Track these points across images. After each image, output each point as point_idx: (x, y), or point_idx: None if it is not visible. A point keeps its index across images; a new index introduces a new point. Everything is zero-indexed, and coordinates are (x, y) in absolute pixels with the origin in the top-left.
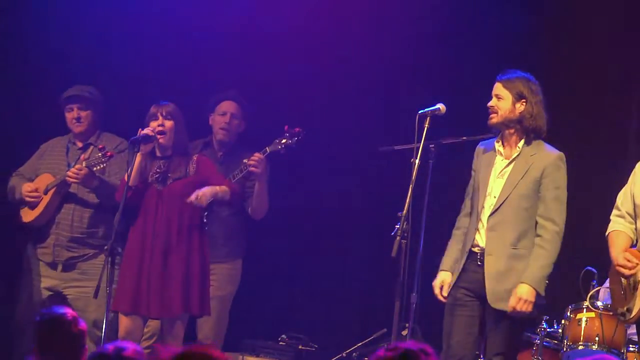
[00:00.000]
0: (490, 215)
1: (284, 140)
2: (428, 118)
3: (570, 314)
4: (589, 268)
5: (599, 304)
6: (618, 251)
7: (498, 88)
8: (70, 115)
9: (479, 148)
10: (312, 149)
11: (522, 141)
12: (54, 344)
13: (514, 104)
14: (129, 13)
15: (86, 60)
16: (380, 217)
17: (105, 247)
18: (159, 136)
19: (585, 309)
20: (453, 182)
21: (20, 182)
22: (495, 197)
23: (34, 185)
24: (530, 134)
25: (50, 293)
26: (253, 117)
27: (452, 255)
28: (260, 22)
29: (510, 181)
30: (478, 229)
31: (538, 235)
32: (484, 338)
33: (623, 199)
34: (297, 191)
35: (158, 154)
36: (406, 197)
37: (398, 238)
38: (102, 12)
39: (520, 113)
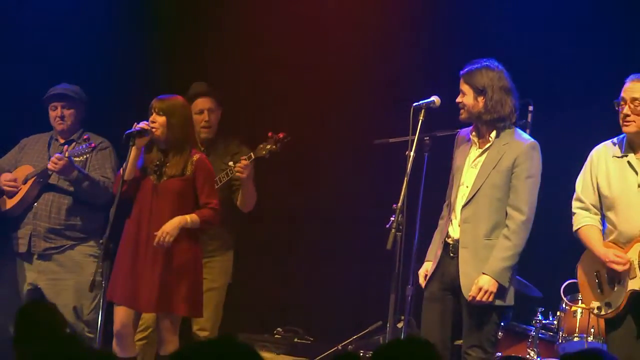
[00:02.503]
0: (463, 207)
1: (268, 146)
2: (423, 110)
3: (565, 306)
4: None
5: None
6: (603, 248)
7: (461, 84)
8: (53, 114)
9: (459, 136)
10: (307, 142)
11: (494, 132)
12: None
13: (475, 99)
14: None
15: (71, 58)
16: (376, 209)
17: (101, 241)
18: (152, 130)
19: (580, 301)
20: (448, 174)
21: None
22: (467, 187)
23: (12, 176)
24: (498, 124)
25: (29, 287)
26: (241, 109)
27: (436, 244)
28: (256, 13)
29: (483, 171)
30: (451, 220)
31: (505, 226)
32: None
33: (584, 189)
34: (292, 184)
35: (159, 146)
36: (401, 189)
37: (393, 230)
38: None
39: (482, 107)
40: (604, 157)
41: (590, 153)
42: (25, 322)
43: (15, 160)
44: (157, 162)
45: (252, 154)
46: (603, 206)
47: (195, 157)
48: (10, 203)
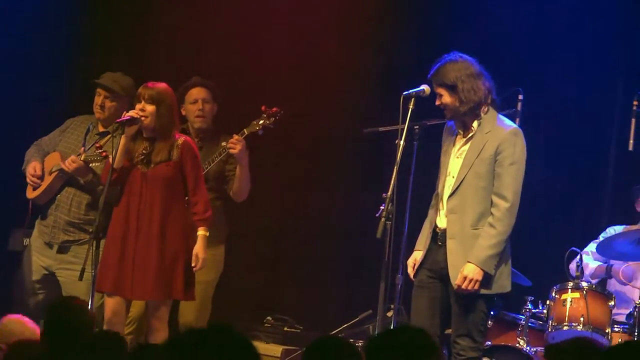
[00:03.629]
0: (449, 197)
1: (261, 121)
2: (412, 99)
3: (555, 295)
4: (574, 249)
5: (584, 284)
6: None
7: (435, 87)
8: (97, 99)
9: (447, 126)
10: (297, 130)
11: (476, 122)
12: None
13: (451, 96)
14: None
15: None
16: (365, 198)
17: (91, 230)
18: (142, 118)
19: (570, 290)
20: (438, 163)
21: (35, 154)
22: (453, 177)
23: (39, 168)
24: (477, 111)
25: (45, 272)
26: (230, 99)
27: (425, 234)
28: (245, 5)
29: (467, 161)
30: (439, 210)
31: (491, 214)
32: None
33: None
34: (281, 174)
35: (145, 134)
36: (391, 178)
37: (383, 219)
38: None
39: (457, 100)
40: None
41: None
42: (55, 320)
43: (55, 142)
44: (144, 150)
45: (245, 130)
46: None
47: (180, 140)
48: (35, 192)
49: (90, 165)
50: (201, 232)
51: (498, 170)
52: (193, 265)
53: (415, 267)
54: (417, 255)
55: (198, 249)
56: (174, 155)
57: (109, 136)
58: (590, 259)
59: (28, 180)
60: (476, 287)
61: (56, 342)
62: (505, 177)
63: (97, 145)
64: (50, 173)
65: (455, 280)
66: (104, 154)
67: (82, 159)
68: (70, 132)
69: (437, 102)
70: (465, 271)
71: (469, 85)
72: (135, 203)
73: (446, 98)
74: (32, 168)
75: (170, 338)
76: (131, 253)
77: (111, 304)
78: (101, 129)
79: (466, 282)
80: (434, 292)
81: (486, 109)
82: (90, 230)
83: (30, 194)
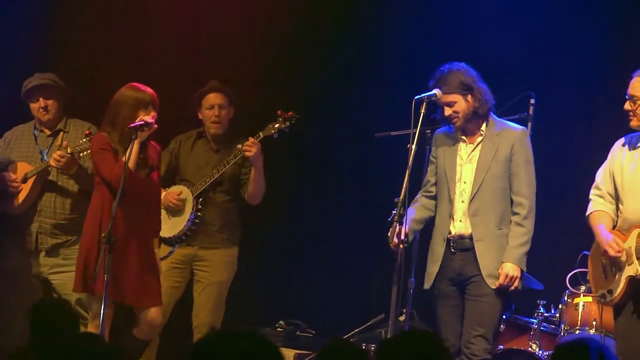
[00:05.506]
0: (470, 202)
1: (277, 125)
2: (424, 104)
3: (567, 299)
4: (586, 252)
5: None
6: (605, 232)
7: (444, 97)
8: (35, 106)
9: (438, 135)
10: (309, 135)
11: (484, 125)
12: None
13: (466, 100)
14: None
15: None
16: (377, 202)
17: (103, 235)
18: (155, 125)
19: (582, 294)
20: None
21: None
22: (465, 182)
23: (13, 175)
24: (486, 114)
25: (34, 280)
26: (248, 103)
27: (416, 216)
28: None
29: (482, 164)
30: (452, 217)
31: (515, 213)
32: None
33: (603, 178)
34: (294, 177)
35: (138, 139)
36: (402, 182)
37: (395, 223)
38: None
39: (474, 104)
40: (621, 148)
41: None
42: (39, 320)
43: (3, 156)
44: (141, 156)
45: (260, 133)
46: (617, 195)
47: (157, 147)
48: (14, 203)
49: (80, 155)
50: None
51: (515, 169)
52: None
53: (396, 237)
54: (397, 228)
55: None
56: (155, 161)
57: (61, 133)
58: None
59: (11, 189)
60: (517, 284)
61: (42, 343)
62: (522, 176)
63: (87, 132)
64: (25, 181)
65: (494, 281)
66: None
67: (69, 151)
68: (17, 142)
69: (448, 112)
70: (505, 270)
71: (481, 87)
72: (143, 207)
73: (461, 104)
74: (7, 175)
75: (198, 341)
76: (142, 259)
77: (108, 312)
78: (48, 132)
79: (507, 279)
80: (455, 300)
81: (488, 113)
82: (103, 235)
83: (9, 205)
